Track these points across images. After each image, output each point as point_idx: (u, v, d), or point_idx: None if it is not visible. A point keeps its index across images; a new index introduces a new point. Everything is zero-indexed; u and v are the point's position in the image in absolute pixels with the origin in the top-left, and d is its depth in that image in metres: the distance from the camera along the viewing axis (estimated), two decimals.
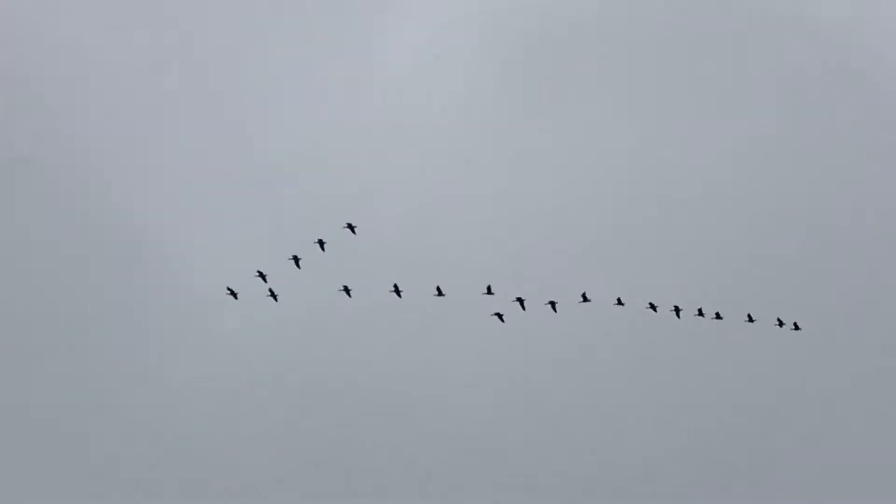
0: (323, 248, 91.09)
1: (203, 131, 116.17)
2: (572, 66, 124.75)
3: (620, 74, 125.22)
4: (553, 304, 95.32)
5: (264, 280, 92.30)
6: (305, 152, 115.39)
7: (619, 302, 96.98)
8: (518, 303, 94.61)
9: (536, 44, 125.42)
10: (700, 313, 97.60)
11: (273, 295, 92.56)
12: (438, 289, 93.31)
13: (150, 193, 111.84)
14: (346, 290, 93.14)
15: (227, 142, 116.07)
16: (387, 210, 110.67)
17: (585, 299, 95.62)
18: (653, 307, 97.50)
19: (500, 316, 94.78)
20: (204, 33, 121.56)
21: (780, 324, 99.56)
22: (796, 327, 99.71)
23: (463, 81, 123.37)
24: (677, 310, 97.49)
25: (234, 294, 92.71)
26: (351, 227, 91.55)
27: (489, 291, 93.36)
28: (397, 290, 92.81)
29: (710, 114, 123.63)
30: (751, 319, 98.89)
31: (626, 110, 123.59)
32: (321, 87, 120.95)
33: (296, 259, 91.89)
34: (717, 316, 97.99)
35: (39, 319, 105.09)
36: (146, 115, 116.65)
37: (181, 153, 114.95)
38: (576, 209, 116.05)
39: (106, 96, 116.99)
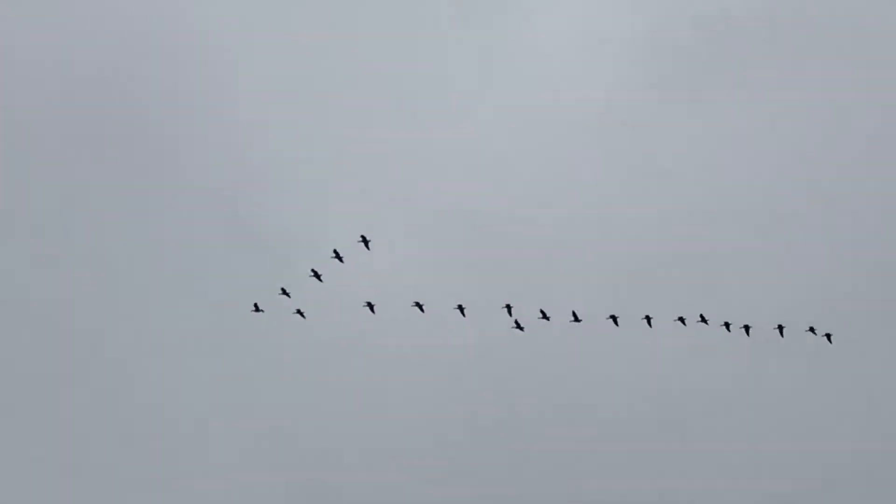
0: (342, 260, 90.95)
1: (346, 125, 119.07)
2: (718, 62, 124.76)
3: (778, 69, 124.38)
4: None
5: (288, 296, 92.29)
6: (456, 150, 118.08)
7: (647, 319, 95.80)
8: (543, 317, 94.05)
9: (690, 38, 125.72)
10: (727, 326, 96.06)
11: (300, 313, 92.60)
12: (461, 307, 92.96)
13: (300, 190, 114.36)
14: (370, 305, 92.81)
15: (376, 137, 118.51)
16: (541, 207, 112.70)
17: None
18: (682, 321, 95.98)
19: (519, 326, 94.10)
20: (348, 32, 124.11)
21: (813, 332, 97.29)
22: (828, 338, 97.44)
23: (614, 74, 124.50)
24: (704, 320, 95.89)
25: (258, 309, 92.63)
26: (365, 240, 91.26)
27: (509, 310, 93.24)
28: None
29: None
30: (781, 331, 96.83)
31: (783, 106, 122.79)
32: (471, 81, 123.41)
33: (316, 274, 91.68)
34: (746, 329, 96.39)
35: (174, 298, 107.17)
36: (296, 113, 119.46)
37: (322, 147, 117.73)
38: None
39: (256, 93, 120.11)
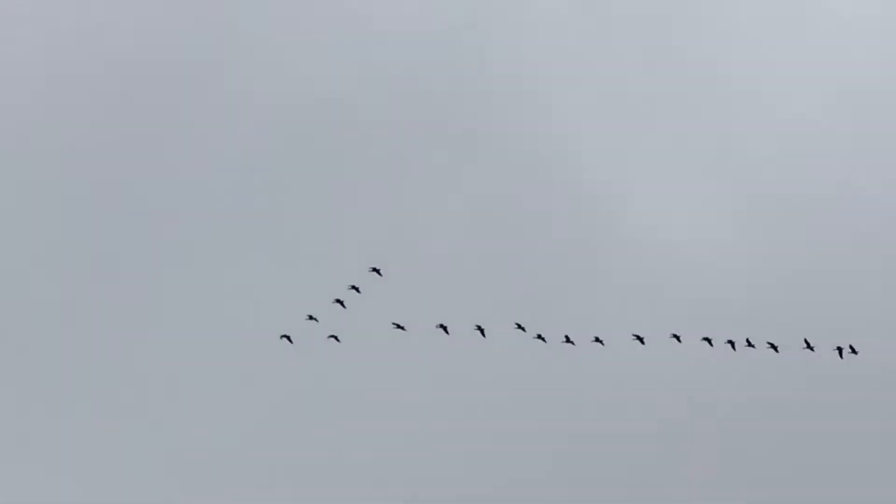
0: (358, 291, 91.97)
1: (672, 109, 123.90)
2: None
3: None
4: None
5: (315, 321, 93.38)
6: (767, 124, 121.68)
7: (676, 337, 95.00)
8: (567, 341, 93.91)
9: None
10: (750, 344, 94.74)
11: (335, 337, 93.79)
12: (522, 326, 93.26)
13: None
14: (399, 326, 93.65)
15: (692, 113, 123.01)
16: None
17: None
18: (708, 341, 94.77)
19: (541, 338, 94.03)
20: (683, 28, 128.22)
21: (839, 351, 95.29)
22: (853, 351, 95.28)
23: None
24: (732, 344, 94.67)
25: (288, 339, 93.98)
26: (377, 270, 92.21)
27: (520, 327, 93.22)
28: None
29: None
30: (809, 346, 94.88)
31: None
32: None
33: (340, 301, 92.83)
34: (772, 346, 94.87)
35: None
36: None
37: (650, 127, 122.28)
38: None
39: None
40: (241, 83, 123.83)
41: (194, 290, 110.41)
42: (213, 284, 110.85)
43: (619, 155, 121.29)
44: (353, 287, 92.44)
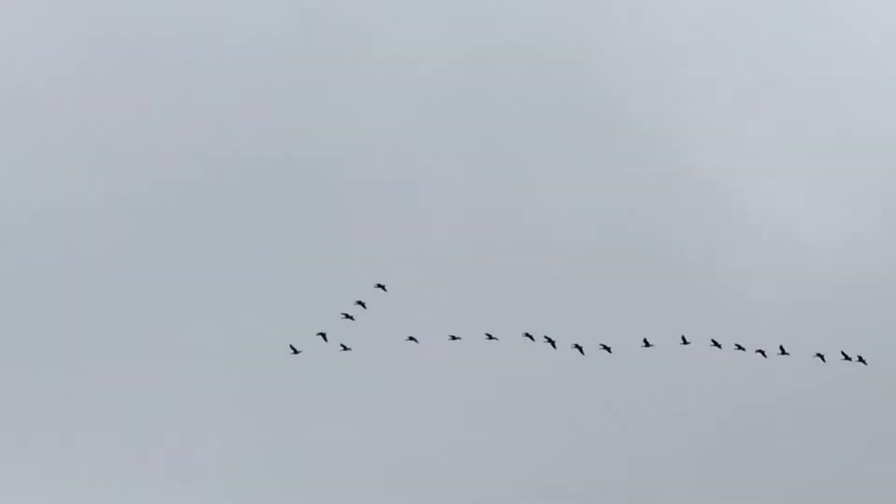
0: (364, 306, 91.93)
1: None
2: None
3: None
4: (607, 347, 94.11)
5: (325, 339, 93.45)
6: None
7: (684, 341, 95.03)
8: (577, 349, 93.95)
9: None
10: (762, 353, 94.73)
11: (345, 348, 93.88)
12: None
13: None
14: (413, 339, 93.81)
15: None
16: None
17: (579, 348, 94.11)
18: (716, 344, 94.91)
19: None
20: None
21: (846, 358, 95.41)
22: (861, 361, 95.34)
23: None
24: (740, 348, 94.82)
25: (295, 351, 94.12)
26: (382, 287, 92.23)
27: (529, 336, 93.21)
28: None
29: None
30: (821, 358, 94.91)
31: None
32: None
33: (348, 316, 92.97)
34: (783, 352, 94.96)
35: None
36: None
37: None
38: None
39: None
40: (245, 86, 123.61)
41: (201, 301, 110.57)
42: (220, 296, 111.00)
43: (732, 143, 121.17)
44: (360, 303, 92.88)
